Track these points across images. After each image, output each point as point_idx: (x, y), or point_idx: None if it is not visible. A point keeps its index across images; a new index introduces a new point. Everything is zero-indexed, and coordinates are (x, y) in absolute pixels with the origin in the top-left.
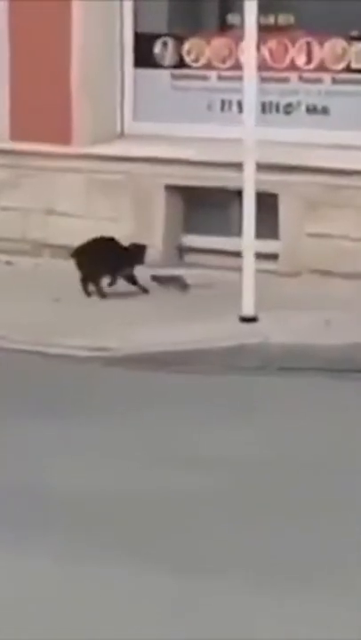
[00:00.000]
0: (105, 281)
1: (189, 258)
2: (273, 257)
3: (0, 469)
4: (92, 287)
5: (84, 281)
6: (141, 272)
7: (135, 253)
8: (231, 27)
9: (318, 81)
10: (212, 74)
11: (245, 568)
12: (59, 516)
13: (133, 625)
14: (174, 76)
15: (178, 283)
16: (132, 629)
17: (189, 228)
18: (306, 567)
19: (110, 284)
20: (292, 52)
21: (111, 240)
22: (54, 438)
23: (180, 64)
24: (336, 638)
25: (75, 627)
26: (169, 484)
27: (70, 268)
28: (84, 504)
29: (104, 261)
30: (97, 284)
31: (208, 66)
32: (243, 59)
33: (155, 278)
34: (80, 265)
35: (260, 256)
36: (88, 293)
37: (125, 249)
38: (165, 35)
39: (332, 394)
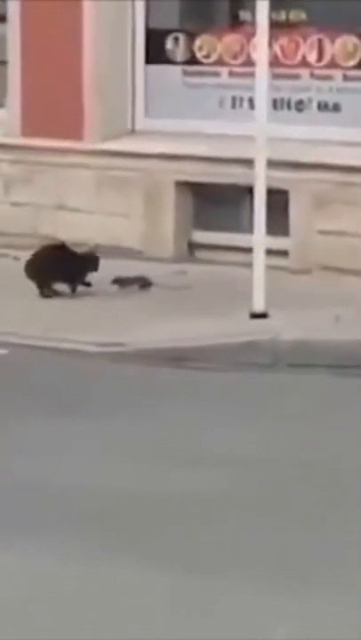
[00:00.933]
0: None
1: (200, 254)
2: (283, 253)
3: (7, 466)
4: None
5: (41, 289)
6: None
7: (89, 261)
8: (243, 23)
9: (329, 78)
10: (224, 70)
11: (248, 567)
12: (64, 513)
13: (135, 623)
14: (186, 73)
15: (141, 282)
16: (133, 627)
17: (200, 224)
18: (308, 566)
19: (72, 291)
20: (303, 48)
21: (61, 247)
22: (62, 434)
23: (192, 60)
24: (337, 637)
25: (77, 625)
26: (177, 481)
27: None
28: (89, 501)
29: (57, 270)
30: (50, 287)
31: (219, 62)
32: (254, 55)
33: (116, 281)
34: (33, 276)
35: (270, 252)
36: (46, 296)
37: (78, 256)
38: (177, 31)
39: (342, 390)
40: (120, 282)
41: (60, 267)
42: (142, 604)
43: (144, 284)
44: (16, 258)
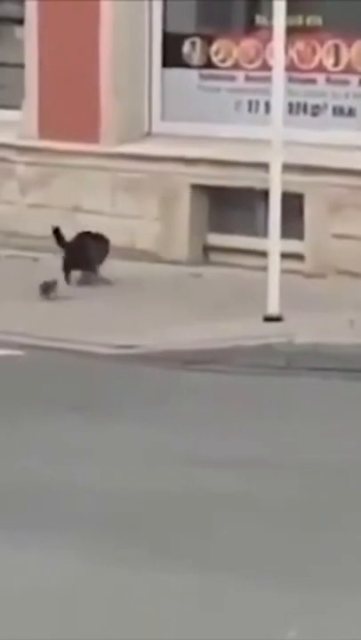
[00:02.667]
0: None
1: (215, 257)
2: (298, 257)
3: (21, 465)
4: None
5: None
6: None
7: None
8: (259, 27)
9: (345, 83)
10: (240, 74)
11: (258, 566)
12: (79, 513)
13: (145, 621)
14: (202, 76)
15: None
16: (143, 626)
17: (215, 227)
18: (316, 566)
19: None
20: (319, 53)
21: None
22: (76, 436)
23: (208, 64)
24: (345, 635)
25: (88, 623)
26: (190, 483)
27: None
28: (103, 501)
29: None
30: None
31: (236, 66)
32: (270, 60)
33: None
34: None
35: (285, 256)
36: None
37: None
38: (194, 35)
39: (356, 394)
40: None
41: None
42: (152, 603)
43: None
44: (35, 259)
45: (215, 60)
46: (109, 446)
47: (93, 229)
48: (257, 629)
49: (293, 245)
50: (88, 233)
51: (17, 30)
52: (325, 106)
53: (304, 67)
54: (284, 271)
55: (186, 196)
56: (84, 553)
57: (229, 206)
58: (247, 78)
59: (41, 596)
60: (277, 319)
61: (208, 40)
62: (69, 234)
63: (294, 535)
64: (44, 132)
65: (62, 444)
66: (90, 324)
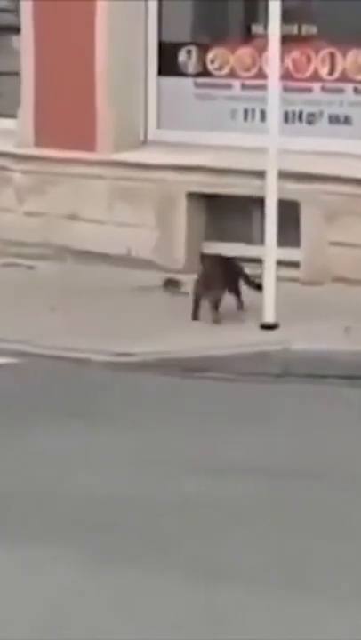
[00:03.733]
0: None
1: None
2: (294, 265)
3: (22, 474)
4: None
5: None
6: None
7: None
8: (255, 36)
9: (341, 91)
10: (236, 83)
11: (258, 574)
12: (77, 521)
13: (149, 631)
14: (198, 85)
15: None
16: (147, 636)
17: (211, 235)
18: (317, 574)
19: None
20: (315, 62)
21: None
22: (73, 443)
23: (204, 72)
24: None
25: (93, 632)
26: (187, 490)
27: (93, 273)
28: (102, 509)
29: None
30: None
31: (232, 74)
32: (266, 68)
33: None
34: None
35: (281, 264)
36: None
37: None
38: (190, 43)
39: (352, 401)
40: None
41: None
42: (152, 611)
43: None
44: (30, 267)
45: (211, 68)
46: (107, 454)
47: (92, 237)
48: (258, 637)
49: (290, 253)
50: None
51: (13, 39)
52: (321, 114)
53: (299, 75)
54: (280, 279)
55: (182, 204)
56: (83, 560)
57: (226, 214)
58: (243, 87)
59: (39, 603)
60: (274, 327)
61: (204, 48)
62: (66, 243)
63: (296, 544)
64: (40, 140)
65: (60, 451)
66: (87, 331)
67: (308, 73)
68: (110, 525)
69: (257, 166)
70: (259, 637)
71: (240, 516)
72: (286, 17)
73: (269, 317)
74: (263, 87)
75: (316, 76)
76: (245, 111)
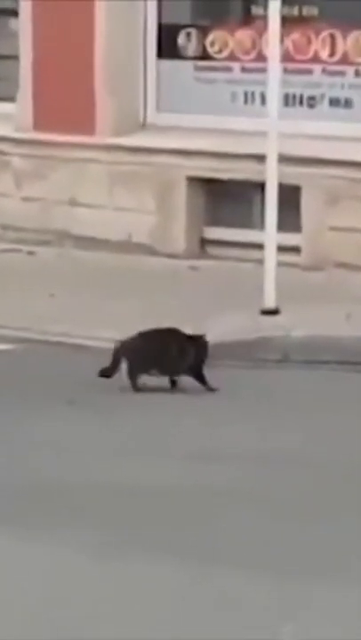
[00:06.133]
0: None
1: (211, 250)
2: (295, 250)
3: (20, 460)
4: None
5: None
6: None
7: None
8: (255, 18)
9: (341, 74)
10: (236, 65)
11: (256, 559)
12: (79, 509)
13: (150, 616)
14: (198, 68)
15: None
16: (149, 620)
17: (212, 219)
18: (314, 558)
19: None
20: (315, 44)
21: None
22: (71, 429)
23: (204, 55)
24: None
25: (95, 618)
26: (189, 476)
27: (92, 259)
28: (103, 496)
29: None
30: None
31: (231, 57)
32: (266, 51)
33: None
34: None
35: (282, 249)
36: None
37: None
38: (189, 26)
39: (353, 386)
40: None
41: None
42: (153, 596)
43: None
44: (31, 253)
45: (211, 51)
46: (106, 440)
47: (91, 222)
48: (257, 622)
49: (290, 238)
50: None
51: (11, 22)
52: (322, 97)
53: (300, 57)
54: (280, 264)
55: (182, 189)
56: (83, 547)
57: (226, 199)
58: (243, 69)
59: (41, 590)
60: (274, 312)
61: (203, 31)
62: (65, 228)
63: (295, 529)
64: (39, 124)
65: (57, 437)
66: (86, 317)
67: (309, 55)
68: (108, 512)
69: (257, 150)
70: (258, 622)
71: (241, 503)
72: None
73: (270, 303)
74: (263, 70)
75: (316, 59)
76: (245, 94)
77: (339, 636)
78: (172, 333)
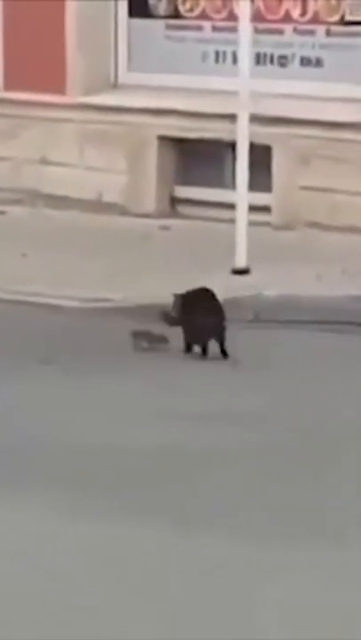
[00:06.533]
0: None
1: (182, 209)
2: (266, 209)
3: (1, 423)
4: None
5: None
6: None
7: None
8: None
9: (312, 33)
10: (207, 24)
11: (248, 524)
12: (53, 469)
13: (126, 578)
14: (169, 27)
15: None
16: (125, 583)
17: (183, 179)
18: (297, 519)
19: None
20: (286, 3)
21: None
22: (45, 390)
23: (175, 14)
24: (341, 591)
25: (68, 580)
26: (164, 437)
27: (63, 218)
28: (78, 457)
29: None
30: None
31: (203, 16)
32: (237, 10)
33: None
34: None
35: (253, 208)
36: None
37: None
38: None
39: (324, 346)
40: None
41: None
42: (129, 559)
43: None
44: (1, 212)
45: (182, 9)
46: (81, 401)
47: (63, 181)
48: (237, 585)
49: (262, 198)
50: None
51: None
52: (293, 57)
53: (271, 17)
54: (252, 223)
55: (153, 148)
56: (57, 509)
57: (197, 158)
58: (214, 28)
59: (13, 552)
60: (245, 272)
61: None
62: (36, 187)
63: (273, 490)
64: (9, 83)
65: (33, 398)
66: (58, 277)
67: (280, 14)
68: (87, 473)
69: (228, 109)
70: (244, 586)
71: (217, 464)
72: None
73: (241, 262)
74: (234, 29)
75: (287, 18)
76: (217, 53)
77: (319, 597)
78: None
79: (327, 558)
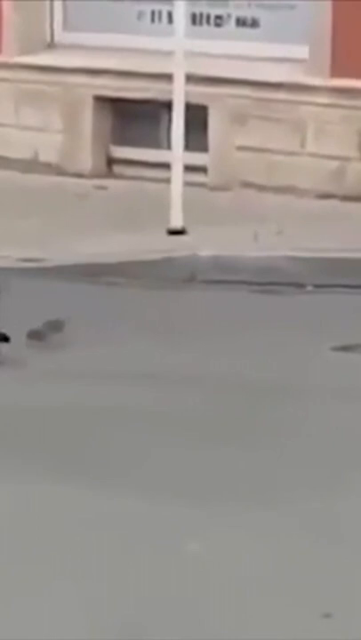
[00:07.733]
0: None
1: (118, 169)
2: (202, 169)
3: None
4: None
5: None
6: None
7: None
8: None
9: None
10: None
11: (168, 483)
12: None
13: (48, 538)
14: None
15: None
16: (45, 542)
17: (118, 139)
18: (227, 482)
19: None
20: None
21: None
22: None
23: None
24: (259, 551)
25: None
26: (89, 397)
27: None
28: (7, 418)
29: None
30: None
31: None
32: None
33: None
34: None
35: (188, 169)
36: None
37: None
38: None
39: (260, 307)
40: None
41: None
42: (51, 516)
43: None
44: None
45: None
46: (8, 361)
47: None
48: (157, 542)
49: (197, 158)
50: None
51: None
52: (229, 16)
53: None
54: (187, 184)
55: (89, 108)
56: (11, 474)
57: (133, 118)
58: None
59: None
60: (181, 232)
61: None
62: None
63: (196, 450)
64: None
65: None
66: None
67: None
68: (9, 434)
69: (164, 69)
70: (159, 542)
71: (141, 423)
72: None
73: (176, 223)
74: None
75: None
76: (152, 13)
77: (242, 556)
78: None
79: (246, 518)
